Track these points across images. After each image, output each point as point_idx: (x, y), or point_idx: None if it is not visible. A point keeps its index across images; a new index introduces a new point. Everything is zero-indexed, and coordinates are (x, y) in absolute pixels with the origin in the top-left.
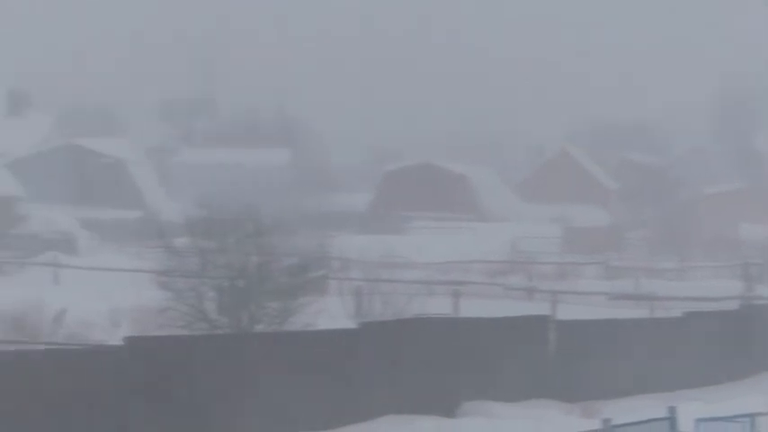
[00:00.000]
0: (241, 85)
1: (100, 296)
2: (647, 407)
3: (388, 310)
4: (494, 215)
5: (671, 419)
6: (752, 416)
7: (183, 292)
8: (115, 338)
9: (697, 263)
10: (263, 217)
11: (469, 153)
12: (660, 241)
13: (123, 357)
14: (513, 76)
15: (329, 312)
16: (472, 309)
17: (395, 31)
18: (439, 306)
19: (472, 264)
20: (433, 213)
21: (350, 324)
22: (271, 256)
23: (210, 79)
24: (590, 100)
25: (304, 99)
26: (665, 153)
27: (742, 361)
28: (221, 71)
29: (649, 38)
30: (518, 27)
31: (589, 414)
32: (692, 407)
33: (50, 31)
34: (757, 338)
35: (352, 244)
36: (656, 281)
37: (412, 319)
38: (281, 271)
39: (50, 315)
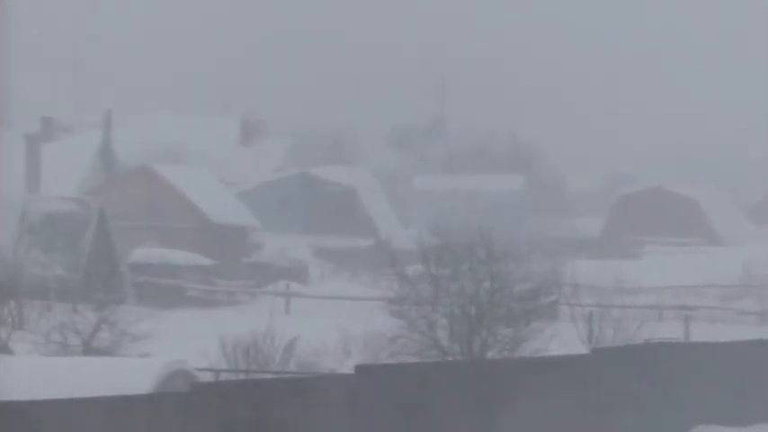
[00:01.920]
0: (472, 110)
1: (331, 324)
2: None
3: (620, 336)
4: (726, 239)
5: None
6: None
7: (415, 319)
8: (346, 367)
9: None
10: (496, 243)
11: (699, 176)
12: None
13: (354, 385)
14: (741, 97)
15: (561, 338)
16: (703, 333)
17: (622, 53)
18: (670, 331)
19: (704, 288)
20: (665, 238)
21: (582, 349)
22: (503, 282)
23: (442, 105)
24: None
25: (536, 123)
26: None
27: None
28: (453, 96)
29: None
30: (740, 41)
31: None
32: None
33: (283, 58)
34: None
35: (584, 269)
36: None
37: (643, 345)
38: (513, 297)
39: (282, 343)
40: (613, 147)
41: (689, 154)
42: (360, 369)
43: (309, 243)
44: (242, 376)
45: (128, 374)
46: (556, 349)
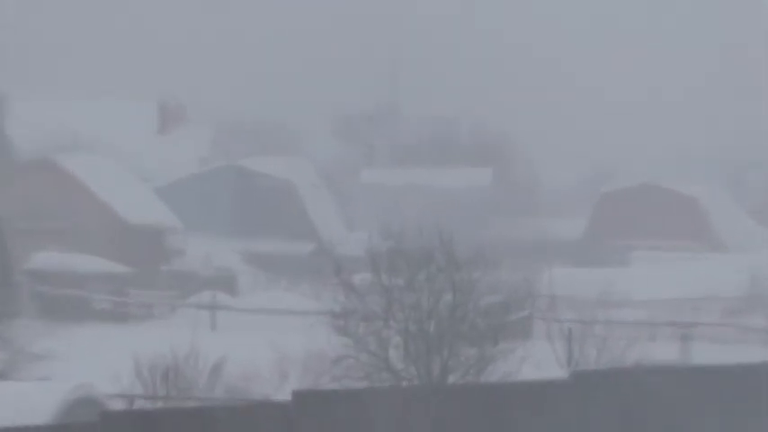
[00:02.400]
0: (429, 94)
1: (265, 343)
2: None
3: (605, 357)
4: (729, 244)
5: None
6: None
7: (364, 337)
8: (282, 393)
9: None
10: (459, 247)
11: (697, 171)
12: None
13: (291, 415)
14: (742, 89)
15: (535, 359)
16: (703, 354)
17: (606, 40)
18: (664, 351)
19: (703, 301)
20: (657, 242)
21: (560, 373)
22: (467, 293)
23: (394, 91)
24: None
25: (505, 112)
26: None
27: None
28: (407, 82)
29: None
30: (738, 39)
31: None
32: None
33: (210, 37)
34: None
35: (562, 278)
36: None
37: (632, 368)
38: (479, 311)
39: (207, 366)
40: (596, 137)
41: (689, 153)
42: (298, 396)
43: (239, 247)
44: (160, 404)
45: (25, 401)
46: (529, 373)
